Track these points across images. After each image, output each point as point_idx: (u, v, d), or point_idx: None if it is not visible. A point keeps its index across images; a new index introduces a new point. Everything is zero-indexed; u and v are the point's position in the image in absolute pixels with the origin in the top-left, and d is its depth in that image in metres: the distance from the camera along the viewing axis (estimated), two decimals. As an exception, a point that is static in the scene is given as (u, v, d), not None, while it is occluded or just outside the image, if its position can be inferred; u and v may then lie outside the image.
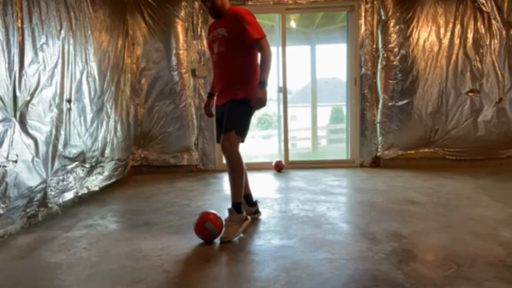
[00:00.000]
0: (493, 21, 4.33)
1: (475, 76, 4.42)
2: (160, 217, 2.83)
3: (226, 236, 2.31)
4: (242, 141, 2.50)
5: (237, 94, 2.47)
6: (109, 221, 2.80)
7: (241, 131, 2.48)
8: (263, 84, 2.40)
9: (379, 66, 4.53)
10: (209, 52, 2.77)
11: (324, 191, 3.49)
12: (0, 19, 2.34)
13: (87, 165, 3.44)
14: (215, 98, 2.72)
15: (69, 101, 3.14)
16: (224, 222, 2.39)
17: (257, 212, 2.75)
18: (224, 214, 2.65)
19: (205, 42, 4.63)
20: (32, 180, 2.64)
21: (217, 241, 2.29)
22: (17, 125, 2.49)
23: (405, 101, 4.49)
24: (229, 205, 2.49)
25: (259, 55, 2.51)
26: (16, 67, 2.48)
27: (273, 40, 5.44)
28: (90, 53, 3.53)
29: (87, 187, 3.45)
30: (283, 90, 4.79)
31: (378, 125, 4.63)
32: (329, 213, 2.82)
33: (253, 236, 2.41)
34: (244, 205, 2.68)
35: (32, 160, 2.65)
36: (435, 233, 2.33)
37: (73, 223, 2.75)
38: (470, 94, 4.46)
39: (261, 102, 2.39)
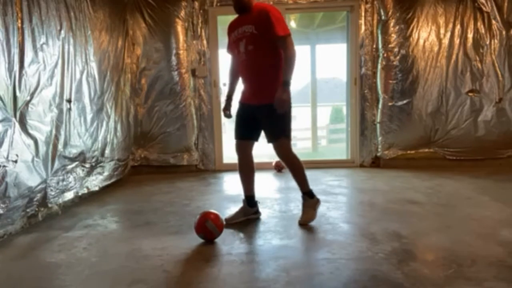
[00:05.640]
0: (493, 21, 4.33)
1: (475, 76, 4.41)
2: (160, 217, 2.83)
3: (305, 220, 2.54)
4: (290, 139, 2.56)
5: (274, 97, 2.41)
6: (109, 221, 2.80)
7: (289, 133, 2.54)
8: (286, 84, 2.34)
9: (379, 66, 4.52)
10: (231, 51, 2.67)
11: (324, 191, 3.49)
12: (0, 19, 2.34)
13: (87, 165, 3.44)
14: (232, 97, 2.71)
15: (69, 101, 3.14)
16: (224, 222, 2.39)
17: (257, 212, 2.75)
18: (224, 214, 2.65)
19: (205, 42, 4.63)
20: (32, 180, 2.64)
21: (218, 240, 2.28)
22: (17, 125, 2.49)
23: (405, 101, 4.49)
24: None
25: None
26: (16, 67, 2.48)
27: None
28: (90, 53, 3.53)
29: (87, 187, 3.45)
30: (283, 90, 4.78)
31: (378, 125, 4.62)
32: (329, 213, 2.82)
33: (253, 236, 2.41)
34: (245, 205, 2.69)
35: (32, 160, 2.64)
36: (435, 233, 2.33)
37: (73, 223, 2.75)
38: (470, 94, 4.45)
39: (285, 104, 2.35)
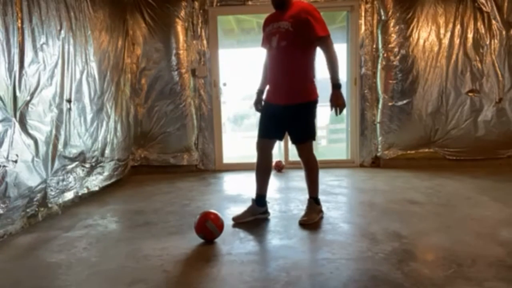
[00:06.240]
0: (493, 21, 4.32)
1: (475, 76, 4.41)
2: (160, 217, 2.83)
3: (306, 220, 2.54)
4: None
5: (301, 97, 2.40)
6: (109, 221, 2.80)
7: (315, 135, 2.58)
8: (338, 87, 2.36)
9: (379, 66, 4.52)
10: (264, 45, 2.64)
11: (324, 191, 3.49)
12: (0, 19, 2.34)
13: (87, 165, 3.44)
14: (265, 92, 2.68)
15: (69, 101, 3.14)
16: (223, 223, 2.39)
17: (266, 212, 2.74)
18: (224, 214, 2.65)
19: (205, 42, 4.63)
20: (32, 180, 2.64)
21: (218, 240, 2.29)
22: (17, 125, 2.49)
23: (405, 101, 4.49)
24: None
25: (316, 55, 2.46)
26: (16, 67, 2.48)
27: (273, 40, 5.41)
28: (90, 53, 3.53)
29: (87, 187, 3.45)
30: (283, 90, 4.78)
31: (378, 125, 4.62)
32: (329, 213, 2.82)
33: (253, 236, 2.41)
34: (253, 204, 2.68)
35: (32, 160, 2.65)
36: (435, 233, 2.33)
37: (73, 223, 2.75)
38: (470, 94, 4.45)
39: (343, 106, 2.38)
